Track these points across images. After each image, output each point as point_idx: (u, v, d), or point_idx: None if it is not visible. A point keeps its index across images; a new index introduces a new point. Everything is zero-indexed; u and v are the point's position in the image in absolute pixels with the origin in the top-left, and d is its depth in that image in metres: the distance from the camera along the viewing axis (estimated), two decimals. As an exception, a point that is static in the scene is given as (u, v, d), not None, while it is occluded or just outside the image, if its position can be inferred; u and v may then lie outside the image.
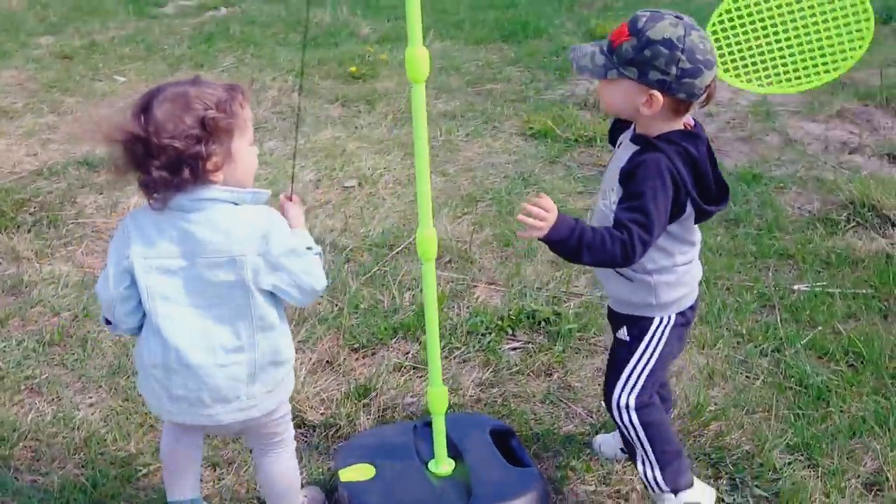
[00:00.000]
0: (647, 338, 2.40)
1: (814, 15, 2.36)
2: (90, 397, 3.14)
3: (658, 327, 2.39)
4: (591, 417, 2.97)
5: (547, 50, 7.19)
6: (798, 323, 3.40)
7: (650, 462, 2.43)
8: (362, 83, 6.55)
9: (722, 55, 2.42)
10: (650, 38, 2.14)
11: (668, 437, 2.48)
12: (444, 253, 3.98)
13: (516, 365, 3.22)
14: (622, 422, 2.43)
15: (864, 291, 3.58)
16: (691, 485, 2.44)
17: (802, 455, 2.72)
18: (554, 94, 6.33)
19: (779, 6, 2.38)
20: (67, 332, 3.51)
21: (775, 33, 2.41)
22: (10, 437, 2.91)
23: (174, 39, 7.84)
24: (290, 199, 2.29)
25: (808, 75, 2.40)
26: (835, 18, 2.34)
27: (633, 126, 2.37)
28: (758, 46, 2.42)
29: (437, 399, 2.38)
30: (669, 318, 2.39)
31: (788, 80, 2.42)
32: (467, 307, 3.57)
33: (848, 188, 4.26)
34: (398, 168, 5.10)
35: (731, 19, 2.42)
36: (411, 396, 3.07)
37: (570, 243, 2.15)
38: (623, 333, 2.45)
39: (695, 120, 2.34)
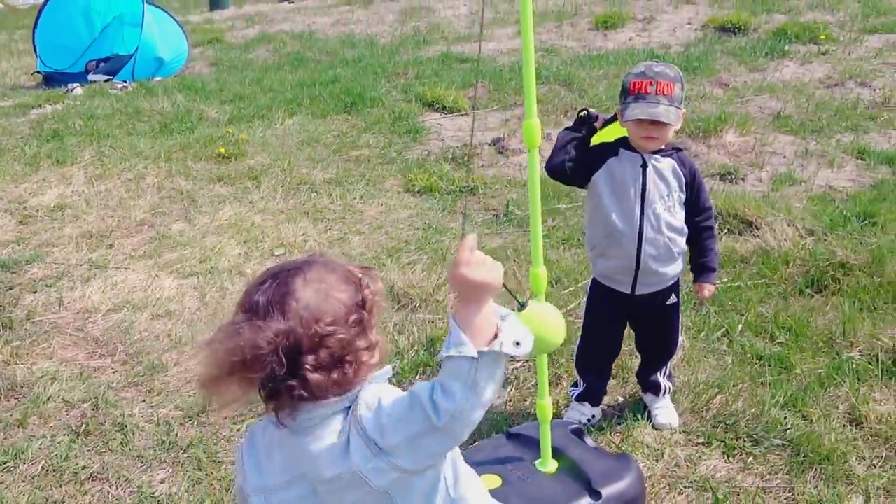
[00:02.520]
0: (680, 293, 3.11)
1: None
2: (158, 475, 3.11)
3: None
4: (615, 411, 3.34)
5: (389, 117, 7.53)
6: (727, 313, 3.97)
7: (669, 373, 3.22)
8: (235, 161, 6.57)
9: None
10: (681, 76, 2.81)
11: None
12: (414, 299, 4.22)
13: (530, 380, 3.53)
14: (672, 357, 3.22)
15: (762, 281, 4.23)
16: None
17: (794, 409, 3.25)
18: (413, 154, 6.68)
19: None
20: (97, 420, 3.41)
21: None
22: (104, 525, 2.85)
23: (16, 139, 7.41)
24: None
25: None
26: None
27: (619, 150, 2.91)
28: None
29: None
30: None
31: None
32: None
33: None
34: (314, 233, 5.26)
35: None
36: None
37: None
38: (673, 299, 3.07)
39: None
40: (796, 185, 5.74)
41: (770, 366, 3.52)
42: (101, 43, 10.20)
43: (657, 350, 3.20)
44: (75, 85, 9.34)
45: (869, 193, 5.50)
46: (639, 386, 3.33)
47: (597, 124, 2.87)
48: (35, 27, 10.24)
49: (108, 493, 3.01)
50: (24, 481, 3.07)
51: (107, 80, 9.58)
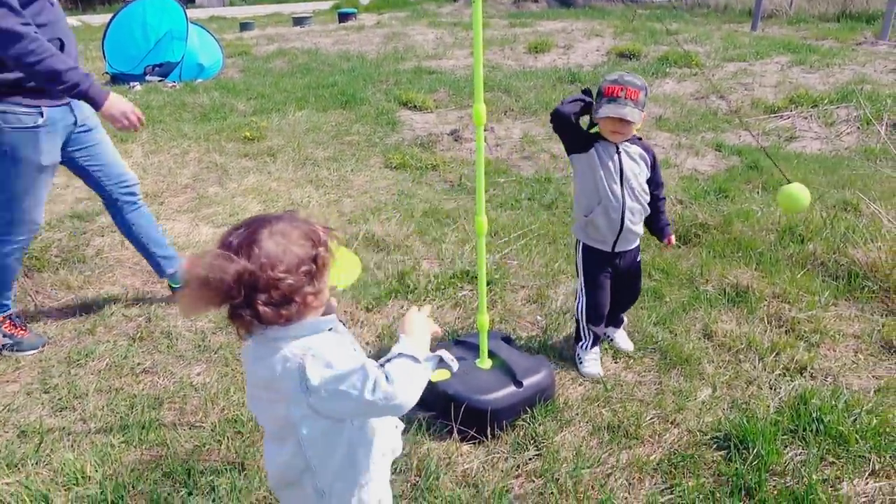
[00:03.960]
0: None
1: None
2: (196, 370, 3.04)
3: None
4: (536, 326, 3.34)
5: (374, 112, 7.39)
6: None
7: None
8: (257, 142, 6.41)
9: None
10: (646, 86, 2.62)
11: None
12: (389, 244, 4.16)
13: (472, 302, 3.51)
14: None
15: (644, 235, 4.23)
16: None
17: (664, 326, 3.26)
18: (391, 140, 6.57)
19: None
20: (149, 330, 3.33)
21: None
22: (153, 404, 2.78)
23: (89, 123, 7.15)
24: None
25: None
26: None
27: (599, 140, 2.71)
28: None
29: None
30: None
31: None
32: (425, 276, 3.79)
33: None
34: (316, 196, 5.15)
35: None
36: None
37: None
38: (639, 256, 2.95)
39: None
40: (672, 168, 5.76)
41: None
42: (155, 52, 9.83)
43: (631, 296, 3.06)
44: (135, 83, 9.03)
45: (723, 175, 5.53)
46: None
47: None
48: (104, 38, 9.84)
49: (157, 382, 2.94)
50: (93, 374, 2.99)
51: (160, 81, 9.27)
